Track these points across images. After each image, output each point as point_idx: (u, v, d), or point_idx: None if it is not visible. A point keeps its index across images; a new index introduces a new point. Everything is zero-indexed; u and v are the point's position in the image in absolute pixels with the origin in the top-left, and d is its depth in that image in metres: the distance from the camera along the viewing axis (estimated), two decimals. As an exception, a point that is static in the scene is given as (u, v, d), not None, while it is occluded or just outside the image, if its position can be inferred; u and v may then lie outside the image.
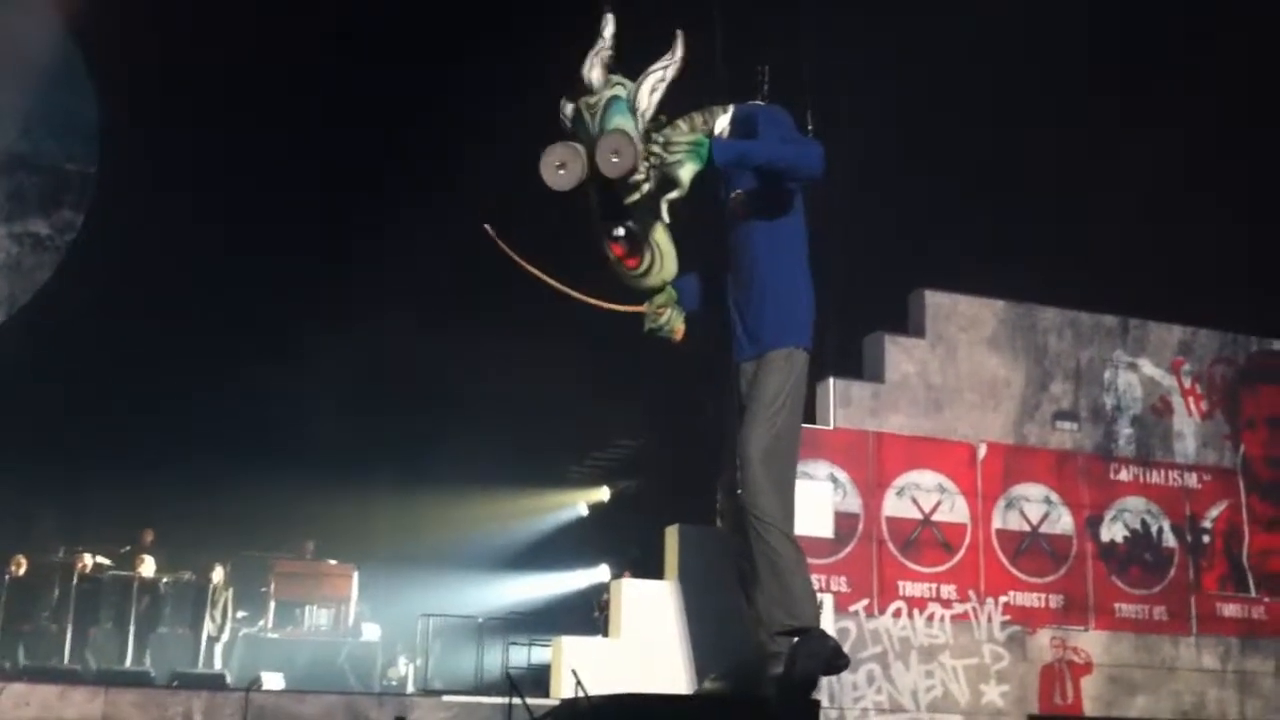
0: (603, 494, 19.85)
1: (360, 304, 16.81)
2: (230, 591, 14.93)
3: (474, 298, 16.47)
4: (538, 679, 13.95)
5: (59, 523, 15.46)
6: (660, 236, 4.93)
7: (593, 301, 5.04)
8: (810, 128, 5.34)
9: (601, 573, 18.31)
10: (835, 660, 5.03)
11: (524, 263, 4.91)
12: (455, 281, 15.85)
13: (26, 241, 17.37)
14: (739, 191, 5.18)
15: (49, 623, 14.53)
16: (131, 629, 14.47)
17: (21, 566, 14.45)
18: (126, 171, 16.78)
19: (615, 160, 4.50)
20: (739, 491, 4.93)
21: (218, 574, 14.75)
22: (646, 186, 4.64)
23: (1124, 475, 12.30)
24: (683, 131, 4.83)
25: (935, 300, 12.01)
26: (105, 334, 16.21)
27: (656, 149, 4.62)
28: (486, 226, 4.87)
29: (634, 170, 4.56)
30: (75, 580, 14.52)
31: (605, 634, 12.68)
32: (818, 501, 10.66)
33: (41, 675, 13.25)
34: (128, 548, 15.10)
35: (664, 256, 4.98)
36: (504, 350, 16.28)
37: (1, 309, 17.15)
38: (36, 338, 16.54)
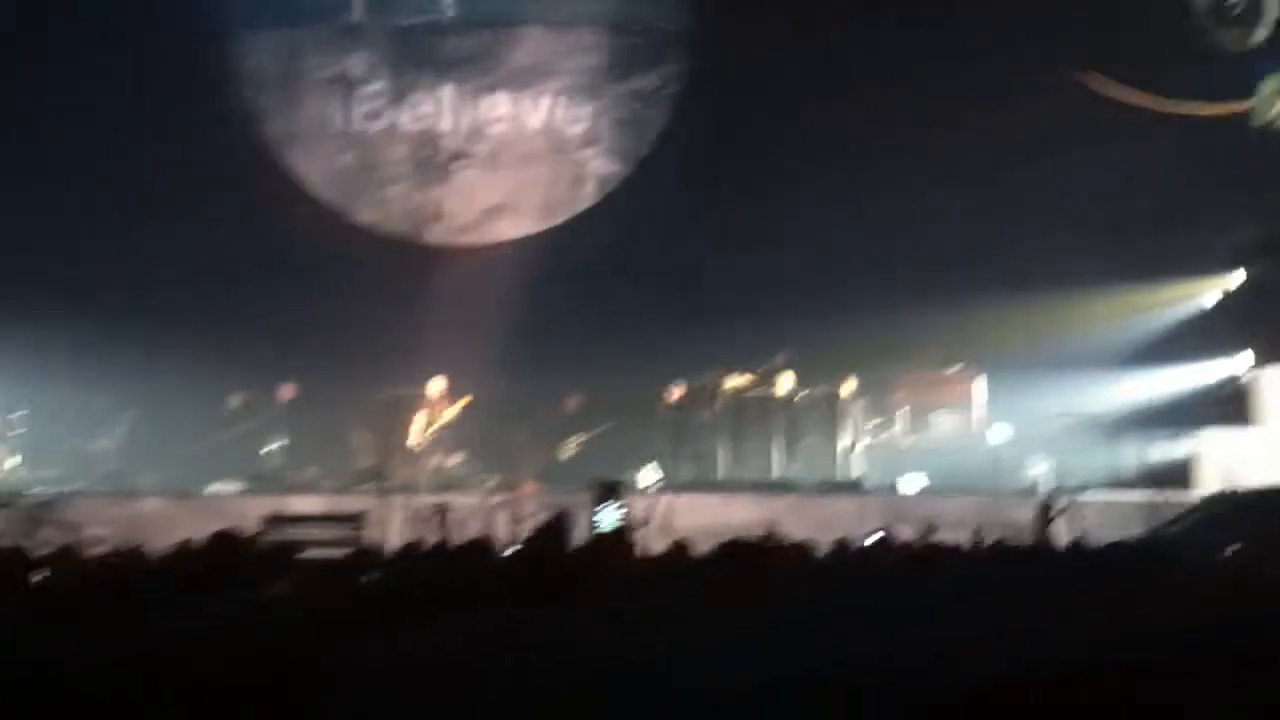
0: (1236, 279, 18.61)
1: (951, 101, 16.74)
2: (861, 402, 15.67)
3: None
4: (1176, 474, 13.61)
5: (703, 349, 16.80)
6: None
7: (1195, 111, 4.83)
8: None
9: (1241, 361, 17.28)
10: None
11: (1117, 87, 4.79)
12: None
13: (641, 95, 18.75)
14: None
15: (705, 441, 16.03)
16: (777, 443, 15.62)
17: (676, 392, 16.01)
18: (717, 17, 17.67)
19: None
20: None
21: (849, 386, 15.52)
22: None
23: None
24: None
25: None
26: (722, 174, 17.27)
27: None
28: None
29: None
30: (723, 402, 15.85)
31: (1250, 425, 12.11)
32: None
33: (705, 488, 14.75)
34: (764, 368, 16.18)
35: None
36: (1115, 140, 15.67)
37: (625, 163, 18.71)
38: (661, 184, 17.93)
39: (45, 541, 12.42)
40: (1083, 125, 16.43)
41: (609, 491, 6.16)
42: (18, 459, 16.28)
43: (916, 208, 16.20)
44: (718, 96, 17.60)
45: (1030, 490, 14.56)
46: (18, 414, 16.37)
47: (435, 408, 15.77)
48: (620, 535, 6.06)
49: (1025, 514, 12.62)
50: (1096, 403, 15.43)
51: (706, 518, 12.95)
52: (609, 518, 6.05)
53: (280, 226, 17.61)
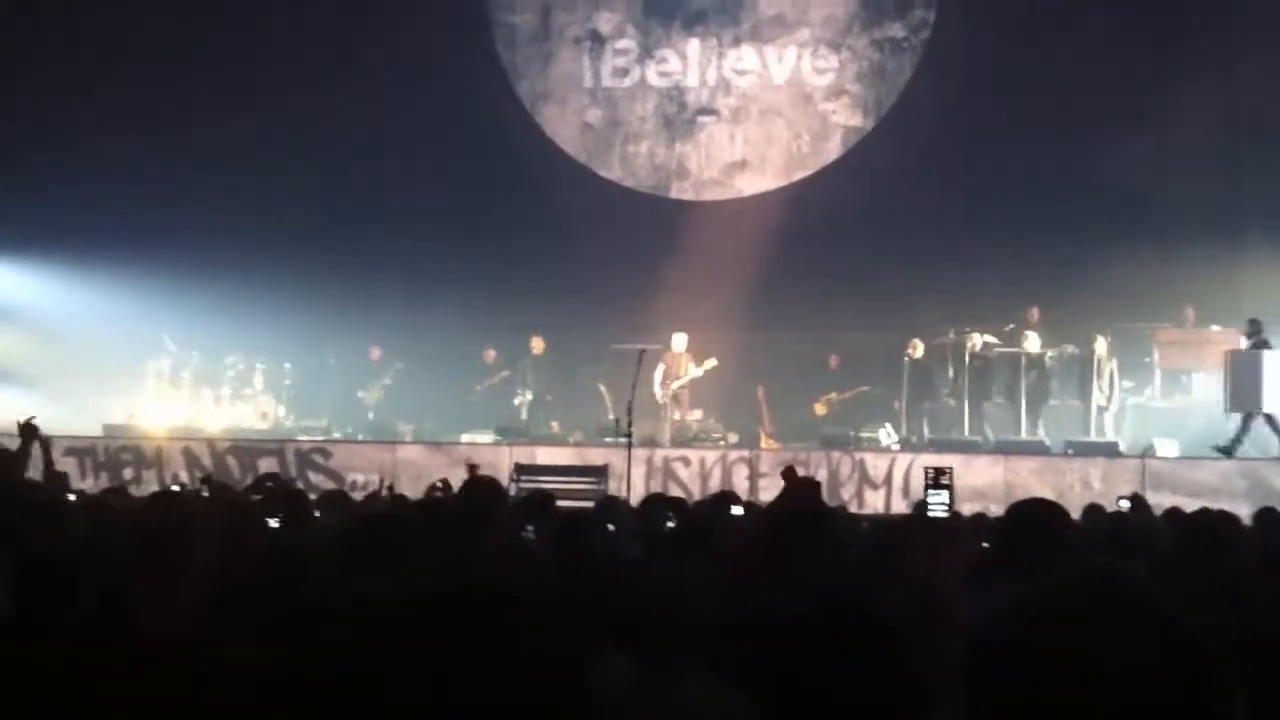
0: None
1: (1217, 49, 15.95)
2: (1114, 362, 15.08)
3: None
4: None
5: (947, 305, 16.49)
6: None
7: None
8: None
9: None
10: None
11: None
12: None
13: (886, 46, 18.45)
14: None
15: (947, 399, 15.77)
16: (1023, 402, 15.21)
17: (918, 349, 15.76)
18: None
19: None
20: None
21: (1100, 345, 14.95)
22: None
23: None
24: None
25: None
26: (968, 125, 16.85)
27: None
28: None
29: None
30: (967, 359, 15.52)
31: None
32: None
33: (946, 446, 14.51)
34: (1011, 325, 15.77)
35: None
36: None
37: (871, 115, 18.45)
38: (905, 137, 17.63)
39: (312, 485, 13.26)
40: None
41: (939, 475, 6.15)
42: (285, 408, 17.32)
43: (1174, 156, 15.47)
44: (964, 45, 17.19)
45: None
46: (287, 366, 17.38)
47: (678, 363, 15.97)
48: (947, 521, 6.06)
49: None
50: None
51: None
52: (939, 501, 6.06)
53: (530, 182, 18.07)
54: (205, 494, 8.18)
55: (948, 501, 6.24)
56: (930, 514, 6.10)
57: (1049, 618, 1.53)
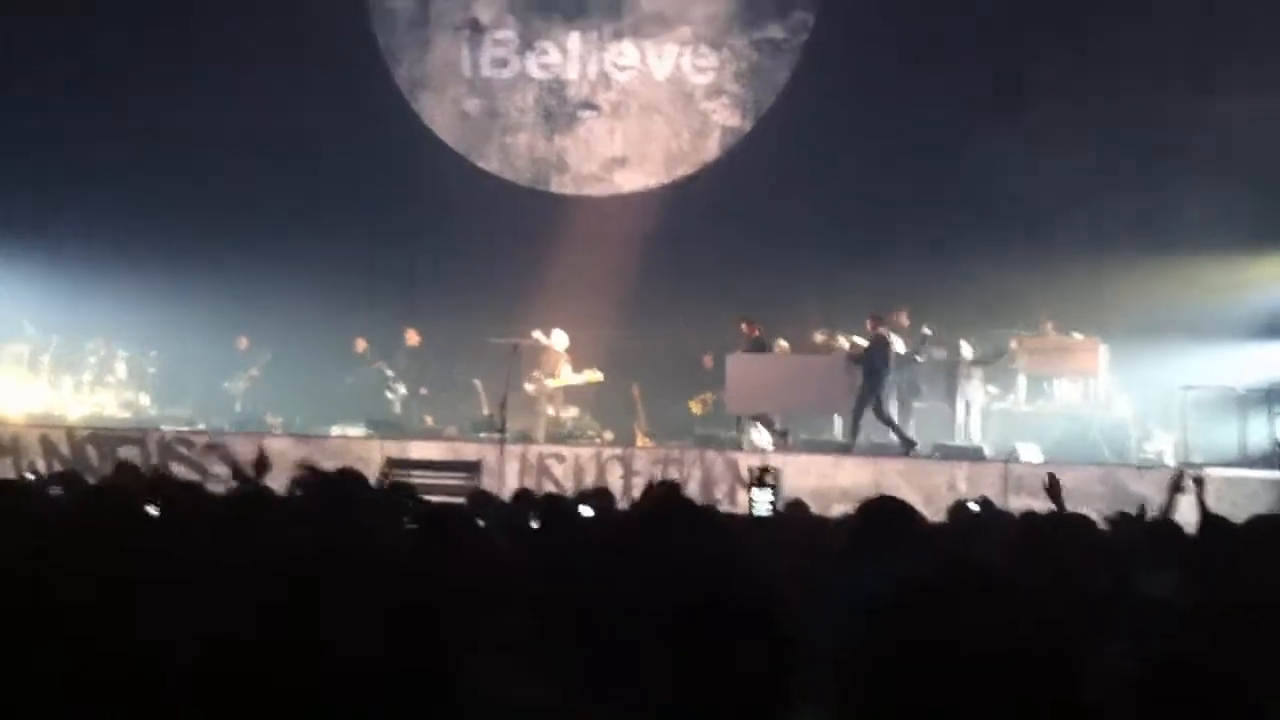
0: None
1: (1094, 62, 16.39)
2: (980, 368, 15.37)
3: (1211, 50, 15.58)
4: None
5: (819, 307, 16.66)
6: None
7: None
8: None
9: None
10: None
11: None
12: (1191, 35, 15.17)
13: (765, 47, 18.59)
14: None
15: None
16: (894, 405, 15.40)
17: (787, 351, 15.90)
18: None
19: None
20: None
21: (966, 350, 15.25)
22: None
23: None
24: None
25: None
26: (844, 129, 17.05)
27: None
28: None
29: None
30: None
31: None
32: None
33: (818, 447, 14.67)
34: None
35: None
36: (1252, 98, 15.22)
37: (749, 116, 18.58)
38: (783, 138, 17.78)
39: (175, 476, 12.85)
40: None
41: (764, 474, 6.20)
42: (149, 397, 16.84)
43: (1047, 166, 15.82)
44: (843, 49, 17.39)
45: (1153, 462, 14.24)
46: (151, 354, 16.89)
47: (557, 360, 15.86)
48: (774, 519, 6.12)
49: (1147, 488, 12.35)
50: (1226, 376, 14.95)
51: (815, 480, 12.86)
52: (763, 499, 6.10)
53: (407, 171, 17.84)
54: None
55: (772, 499, 6.31)
56: (755, 512, 6.15)
57: (918, 599, 1.55)
